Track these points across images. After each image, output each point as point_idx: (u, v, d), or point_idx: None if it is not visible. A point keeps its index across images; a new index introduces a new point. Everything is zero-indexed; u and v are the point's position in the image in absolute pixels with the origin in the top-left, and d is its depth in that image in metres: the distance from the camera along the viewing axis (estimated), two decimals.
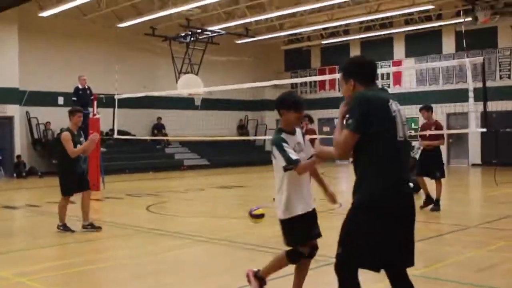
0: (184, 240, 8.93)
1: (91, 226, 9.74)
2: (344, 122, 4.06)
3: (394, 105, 4.05)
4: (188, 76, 25.43)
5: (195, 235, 9.25)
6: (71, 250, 8.62)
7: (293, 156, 5.02)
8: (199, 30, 26.10)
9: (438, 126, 12.55)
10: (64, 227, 9.73)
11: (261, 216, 6.69)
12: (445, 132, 13.81)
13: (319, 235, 5.50)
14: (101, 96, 18.22)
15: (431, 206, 11.78)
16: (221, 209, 13.36)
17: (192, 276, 6.76)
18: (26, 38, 23.65)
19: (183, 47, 26.84)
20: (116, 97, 17.27)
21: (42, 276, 6.80)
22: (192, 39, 26.30)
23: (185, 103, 25.94)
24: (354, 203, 4.14)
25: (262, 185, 17.31)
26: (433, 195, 11.84)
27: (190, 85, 23.21)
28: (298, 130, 5.42)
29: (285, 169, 5.03)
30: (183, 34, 26.29)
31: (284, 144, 5.07)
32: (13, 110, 23.51)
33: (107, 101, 18.46)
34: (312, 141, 5.60)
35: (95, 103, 17.49)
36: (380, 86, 4.39)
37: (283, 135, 5.19)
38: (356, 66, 4.27)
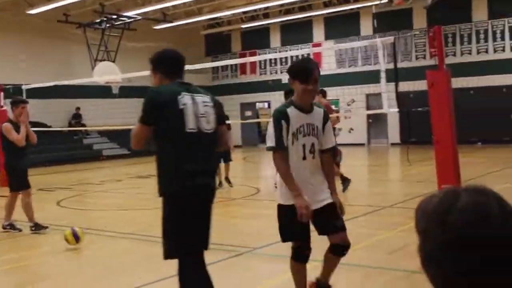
0: (91, 236, 8.53)
1: (35, 227, 9.09)
2: None
3: (186, 98, 4.09)
4: (104, 64, 24.70)
5: (105, 230, 8.88)
6: None
7: (275, 141, 4.42)
8: (115, 16, 25.35)
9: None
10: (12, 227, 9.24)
11: (77, 238, 6.48)
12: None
13: (325, 232, 4.70)
14: (8, 86, 17.36)
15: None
16: (136, 200, 12.96)
17: (95, 277, 6.40)
18: None
19: (98, 34, 26.05)
20: (24, 87, 16.49)
21: None
22: (107, 25, 25.55)
23: (102, 91, 25.18)
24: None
25: None
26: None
27: (107, 73, 22.53)
28: (319, 109, 4.62)
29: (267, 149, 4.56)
30: (98, 21, 25.47)
31: (281, 121, 4.40)
32: None
33: (16, 93, 17.59)
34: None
35: (2, 94, 16.63)
36: (185, 81, 4.37)
37: (289, 110, 4.44)
38: (161, 59, 4.40)
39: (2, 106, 16.55)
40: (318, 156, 4.58)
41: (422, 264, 1.27)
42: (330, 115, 12.83)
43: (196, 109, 4.12)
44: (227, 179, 13.56)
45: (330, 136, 4.69)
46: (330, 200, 4.56)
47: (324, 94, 13.06)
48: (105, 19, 25.30)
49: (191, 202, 4.04)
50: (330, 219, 4.58)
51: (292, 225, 4.48)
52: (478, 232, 1.18)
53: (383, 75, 11.01)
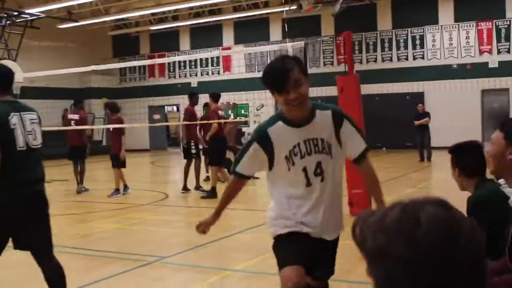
0: None
1: None
2: None
3: (15, 119, 4.28)
4: (4, 63, 23.51)
5: None
6: None
7: (237, 165, 3.52)
8: (16, 13, 24.19)
9: None
10: None
11: None
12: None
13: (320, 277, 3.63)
14: None
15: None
16: None
17: None
18: None
19: None
20: None
21: None
22: (8, 22, 24.33)
23: None
24: None
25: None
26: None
27: None
28: (323, 113, 3.43)
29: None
30: None
31: (253, 145, 3.42)
32: None
33: None
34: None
35: None
36: (12, 98, 4.49)
37: (274, 127, 3.39)
38: None
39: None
40: (332, 177, 3.46)
41: (375, 286, 1.10)
42: (226, 125, 12.76)
43: (24, 127, 4.34)
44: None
45: (354, 140, 3.50)
46: (332, 235, 3.52)
47: (216, 98, 12.89)
48: (5, 15, 24.10)
49: (18, 208, 4.34)
50: (323, 265, 3.60)
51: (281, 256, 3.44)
52: (448, 250, 1.05)
53: None
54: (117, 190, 12.73)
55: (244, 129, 28.75)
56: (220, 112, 12.45)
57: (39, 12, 24.65)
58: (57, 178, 14.71)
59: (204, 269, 6.35)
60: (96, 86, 31.19)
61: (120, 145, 12.79)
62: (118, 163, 12.87)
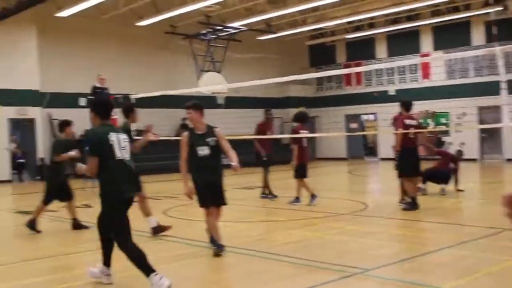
0: (195, 248, 8.35)
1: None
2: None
3: (113, 136, 6.05)
4: (210, 74, 24.93)
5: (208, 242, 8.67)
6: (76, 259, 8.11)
7: None
8: (220, 27, 25.57)
9: None
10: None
11: None
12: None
13: None
14: (117, 96, 17.80)
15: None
16: (240, 212, 12.75)
17: None
18: (44, 39, 23.41)
19: (204, 45, 26.38)
20: (132, 97, 16.83)
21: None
22: (212, 36, 25.80)
23: (208, 102, 25.36)
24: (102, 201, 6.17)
25: (282, 185, 16.60)
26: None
27: (212, 83, 22.69)
28: None
29: None
30: (203, 32, 25.80)
31: None
32: (35, 112, 23.28)
33: (125, 102, 18.03)
34: None
35: None
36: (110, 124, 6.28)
37: None
38: (95, 105, 6.49)
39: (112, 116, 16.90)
40: None
41: None
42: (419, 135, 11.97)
43: (119, 142, 6.10)
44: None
45: None
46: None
47: (406, 107, 12.13)
48: (210, 30, 25.58)
49: (124, 201, 6.13)
50: None
51: None
52: None
53: (504, 86, 10.23)
54: (297, 199, 12.84)
55: (444, 138, 27.61)
56: (408, 121, 11.82)
57: (240, 25, 25.79)
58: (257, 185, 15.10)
59: (411, 285, 6.05)
60: (293, 95, 31.87)
61: (297, 155, 12.92)
62: (297, 173, 12.96)
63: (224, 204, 7.92)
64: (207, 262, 7.64)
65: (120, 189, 6.01)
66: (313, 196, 12.82)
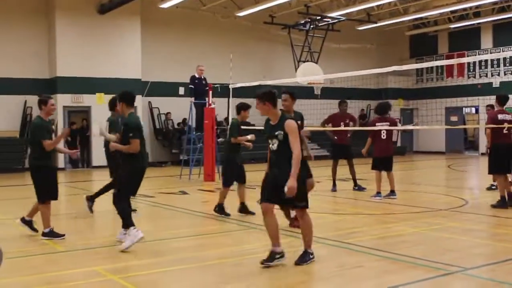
0: (287, 238, 8.34)
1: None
2: None
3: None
4: (307, 65, 24.81)
5: (300, 233, 8.64)
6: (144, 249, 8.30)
7: None
8: (319, 17, 25.38)
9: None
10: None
11: None
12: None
13: None
14: (216, 86, 18.07)
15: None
16: (332, 204, 12.62)
17: (286, 283, 6.13)
18: (147, 30, 24.11)
19: (302, 35, 26.29)
20: (230, 86, 17.03)
21: (140, 273, 6.49)
22: (311, 26, 25.68)
23: (305, 92, 25.29)
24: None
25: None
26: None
27: (310, 74, 22.57)
28: None
29: None
30: (302, 22, 25.72)
31: None
32: (137, 101, 23.96)
33: (223, 91, 18.32)
34: None
35: (210, 93, 17.30)
36: None
37: None
38: (124, 96, 7.98)
39: (210, 104, 17.21)
40: None
41: None
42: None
43: None
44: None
45: None
46: None
47: (501, 101, 11.56)
48: (309, 20, 25.45)
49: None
50: None
51: None
52: None
53: None
54: (378, 193, 12.59)
55: None
56: (501, 116, 11.28)
57: (339, 15, 25.49)
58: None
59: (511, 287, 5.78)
60: (392, 86, 31.20)
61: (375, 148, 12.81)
62: (372, 165, 12.87)
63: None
64: (300, 253, 7.60)
65: (144, 160, 7.95)
66: (391, 192, 12.65)
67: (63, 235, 8.45)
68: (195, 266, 6.85)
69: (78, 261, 7.19)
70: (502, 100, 11.57)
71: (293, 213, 8.74)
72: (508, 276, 6.15)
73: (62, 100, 22.27)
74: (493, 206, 11.03)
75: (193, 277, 6.36)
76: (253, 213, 10.34)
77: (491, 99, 26.51)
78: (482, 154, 27.61)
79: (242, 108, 10.67)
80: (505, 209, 10.76)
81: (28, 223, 8.76)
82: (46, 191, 8.33)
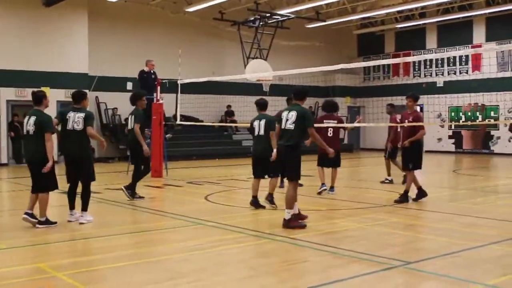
0: (235, 234, 8.37)
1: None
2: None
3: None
4: (256, 62, 24.88)
5: (248, 229, 8.69)
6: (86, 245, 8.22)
7: None
8: (268, 14, 25.47)
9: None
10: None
11: None
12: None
13: None
14: (164, 81, 17.94)
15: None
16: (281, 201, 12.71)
17: (238, 278, 6.16)
18: (95, 23, 23.72)
19: (252, 32, 26.33)
20: (179, 82, 16.94)
21: (76, 271, 6.40)
22: (261, 23, 25.73)
23: (253, 89, 25.37)
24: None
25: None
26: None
27: (258, 71, 22.65)
28: None
29: None
30: (252, 19, 25.74)
31: None
32: None
33: (172, 87, 18.19)
34: None
35: (159, 88, 17.17)
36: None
37: None
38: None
39: (158, 100, 17.08)
40: None
41: None
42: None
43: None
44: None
45: None
46: None
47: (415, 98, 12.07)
48: (259, 17, 25.51)
49: None
50: None
51: None
52: None
53: None
54: (323, 184, 13.00)
55: (493, 132, 27.02)
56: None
57: (289, 13, 25.66)
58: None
59: (453, 280, 5.93)
60: (340, 84, 31.61)
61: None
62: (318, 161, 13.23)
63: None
64: (247, 248, 7.65)
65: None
66: (331, 188, 12.98)
67: (55, 222, 8.95)
68: (141, 262, 6.80)
69: (22, 258, 7.06)
70: (415, 98, 12.04)
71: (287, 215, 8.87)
72: (449, 270, 6.32)
73: (5, 94, 21.73)
74: (396, 201, 11.50)
75: (139, 273, 6.32)
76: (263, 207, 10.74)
77: (435, 98, 27.29)
78: (426, 151, 28.29)
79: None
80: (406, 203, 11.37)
81: (33, 216, 8.97)
82: (54, 181, 8.90)
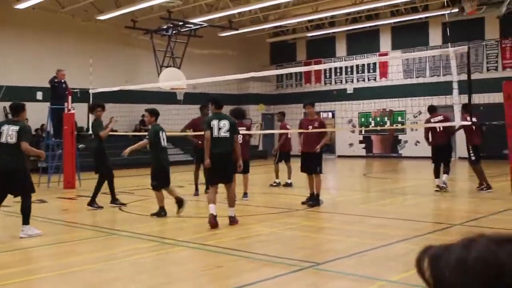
0: (151, 243, 8.41)
1: None
2: None
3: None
4: (170, 70, 24.87)
5: (164, 238, 8.75)
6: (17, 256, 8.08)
7: None
8: (181, 23, 25.53)
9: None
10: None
11: None
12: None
13: None
14: (75, 90, 17.66)
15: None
16: (195, 208, 12.83)
17: (153, 285, 6.22)
18: (2, 31, 23.08)
19: (165, 40, 26.31)
20: (90, 91, 16.73)
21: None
22: (174, 32, 25.74)
23: (168, 97, 25.33)
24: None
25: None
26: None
27: (172, 79, 22.65)
28: None
29: None
30: (164, 27, 25.72)
31: None
32: None
33: (83, 96, 17.91)
34: None
35: (70, 98, 16.89)
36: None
37: None
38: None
39: (69, 110, 16.80)
40: None
41: None
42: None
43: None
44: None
45: None
46: None
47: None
48: (171, 25, 25.52)
49: None
50: None
51: None
52: None
53: (455, 86, 10.57)
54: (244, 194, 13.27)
55: (400, 136, 28.13)
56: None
57: (202, 21, 25.81)
58: None
59: (359, 278, 6.24)
60: (253, 92, 32.00)
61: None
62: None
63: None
64: (161, 257, 7.72)
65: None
66: (244, 194, 13.28)
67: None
68: (56, 273, 6.74)
69: None
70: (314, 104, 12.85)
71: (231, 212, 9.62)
72: (356, 268, 6.64)
73: None
74: (303, 203, 11.94)
75: (55, 285, 6.27)
76: None
77: (345, 104, 28.16)
78: (339, 156, 29.12)
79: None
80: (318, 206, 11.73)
81: None
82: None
